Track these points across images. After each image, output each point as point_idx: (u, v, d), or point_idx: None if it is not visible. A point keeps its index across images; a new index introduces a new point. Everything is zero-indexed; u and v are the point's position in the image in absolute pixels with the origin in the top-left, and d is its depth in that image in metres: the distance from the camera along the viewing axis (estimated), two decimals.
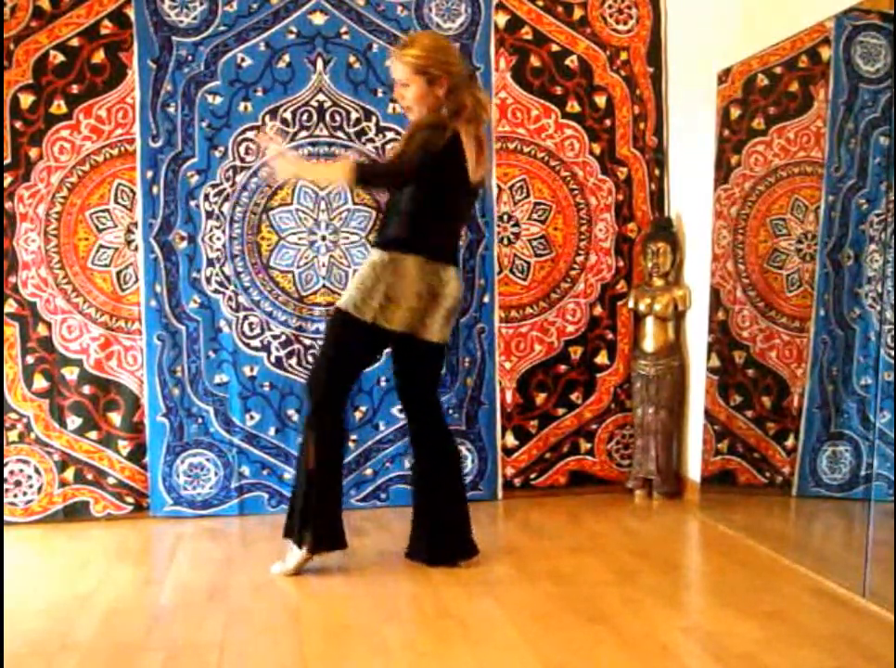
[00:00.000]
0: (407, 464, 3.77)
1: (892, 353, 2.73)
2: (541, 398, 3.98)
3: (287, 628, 2.57)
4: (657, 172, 4.01)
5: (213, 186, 3.74)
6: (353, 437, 3.83)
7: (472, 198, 3.12)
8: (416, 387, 3.08)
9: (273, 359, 3.79)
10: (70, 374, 3.71)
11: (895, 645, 2.28)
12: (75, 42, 3.64)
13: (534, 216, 3.94)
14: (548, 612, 2.64)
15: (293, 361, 3.79)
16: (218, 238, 3.76)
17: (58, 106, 3.65)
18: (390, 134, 3.79)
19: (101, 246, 3.72)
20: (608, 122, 3.96)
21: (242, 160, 3.74)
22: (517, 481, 3.97)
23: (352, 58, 3.78)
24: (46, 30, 3.63)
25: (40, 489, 3.71)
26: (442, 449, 3.10)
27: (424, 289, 2.90)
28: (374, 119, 3.79)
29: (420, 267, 2.89)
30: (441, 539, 3.08)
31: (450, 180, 2.88)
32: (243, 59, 3.73)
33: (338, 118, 3.79)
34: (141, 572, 3.16)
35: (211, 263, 3.76)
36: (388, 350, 3.13)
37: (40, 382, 3.70)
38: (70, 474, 3.72)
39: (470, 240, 3.86)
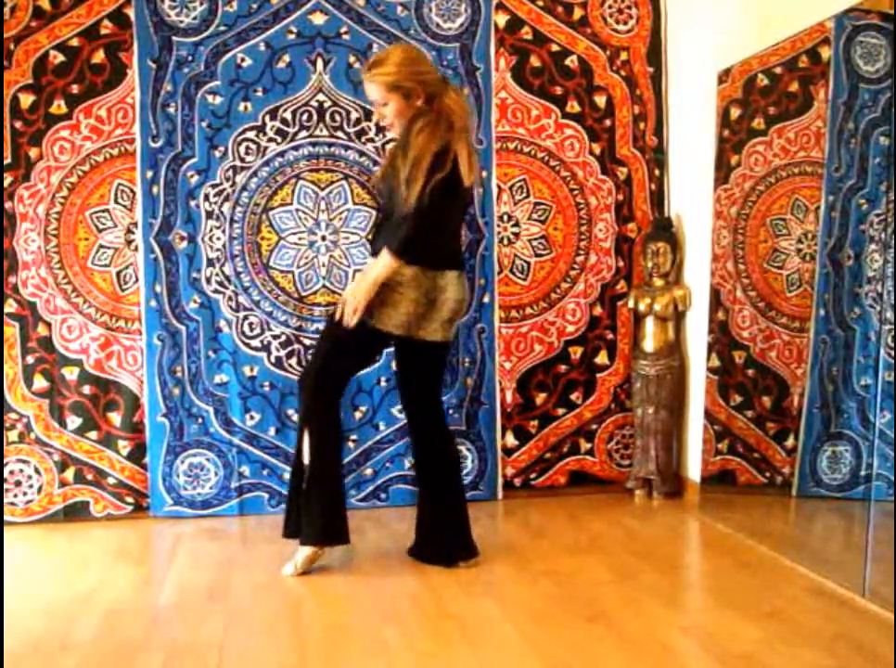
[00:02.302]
0: (407, 464, 3.78)
1: (892, 352, 2.73)
2: (541, 398, 3.98)
3: (287, 628, 2.57)
4: (657, 172, 4.01)
5: (213, 186, 3.74)
6: (353, 437, 3.83)
7: (466, 201, 3.10)
8: (416, 388, 3.08)
9: (273, 359, 3.80)
10: (70, 374, 3.71)
11: (895, 645, 2.28)
12: (75, 42, 3.64)
13: (534, 216, 3.94)
14: (548, 612, 2.64)
15: (293, 361, 3.79)
16: (218, 238, 3.76)
17: (58, 106, 3.65)
18: (390, 134, 3.76)
19: (101, 246, 3.72)
20: (608, 122, 3.96)
21: (242, 160, 3.74)
22: (517, 481, 3.97)
23: (352, 58, 3.78)
24: (46, 30, 3.63)
25: (40, 489, 3.71)
26: (442, 451, 3.10)
27: (421, 296, 2.90)
28: (374, 118, 3.77)
29: (417, 277, 2.88)
30: (442, 539, 3.09)
31: (449, 193, 2.84)
32: (243, 59, 3.73)
33: (338, 118, 3.79)
34: (141, 572, 3.16)
35: (210, 263, 3.76)
36: (389, 349, 3.13)
37: (40, 382, 3.70)
38: (70, 474, 3.72)
39: (470, 240, 3.86)
